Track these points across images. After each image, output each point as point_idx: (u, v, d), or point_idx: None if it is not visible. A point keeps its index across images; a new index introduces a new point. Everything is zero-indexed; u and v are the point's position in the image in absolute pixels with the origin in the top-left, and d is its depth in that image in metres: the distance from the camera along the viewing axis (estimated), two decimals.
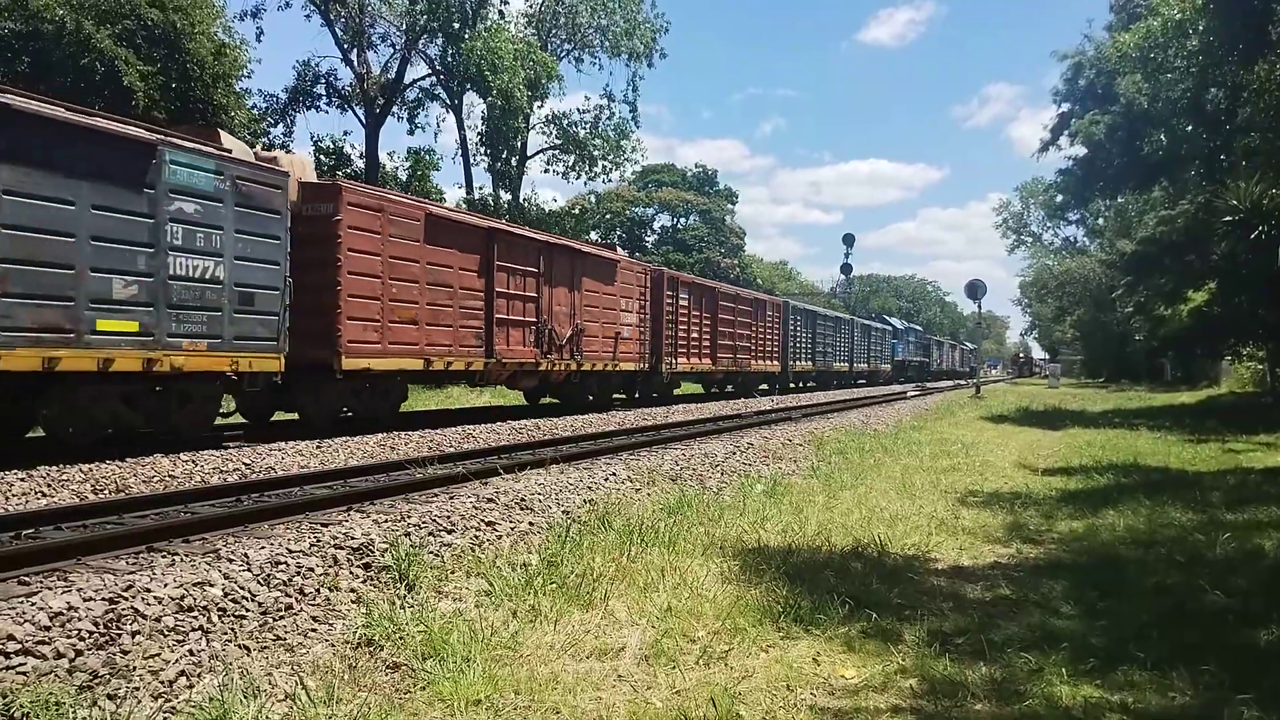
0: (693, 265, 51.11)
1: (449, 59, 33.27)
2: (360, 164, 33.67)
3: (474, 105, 36.39)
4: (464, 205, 34.06)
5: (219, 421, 11.71)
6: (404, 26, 32.72)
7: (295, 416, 13.23)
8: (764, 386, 32.41)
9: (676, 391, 26.07)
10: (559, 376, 18.09)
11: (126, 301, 9.40)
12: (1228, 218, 15.19)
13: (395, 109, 34.87)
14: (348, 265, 12.34)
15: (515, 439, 13.02)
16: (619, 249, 24.09)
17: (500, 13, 34.65)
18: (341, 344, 12.22)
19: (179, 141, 10.09)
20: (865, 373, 44.52)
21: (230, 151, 10.85)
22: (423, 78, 35.90)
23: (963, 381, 55.80)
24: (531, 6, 38.39)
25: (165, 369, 9.85)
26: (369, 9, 32.91)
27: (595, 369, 19.22)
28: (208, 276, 10.27)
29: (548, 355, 17.21)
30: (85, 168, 8.93)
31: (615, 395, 21.69)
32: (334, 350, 12.17)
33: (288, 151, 15.55)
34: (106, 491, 8.02)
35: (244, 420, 13.29)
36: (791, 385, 35.05)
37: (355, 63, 33.17)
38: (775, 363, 31.69)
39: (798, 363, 34.07)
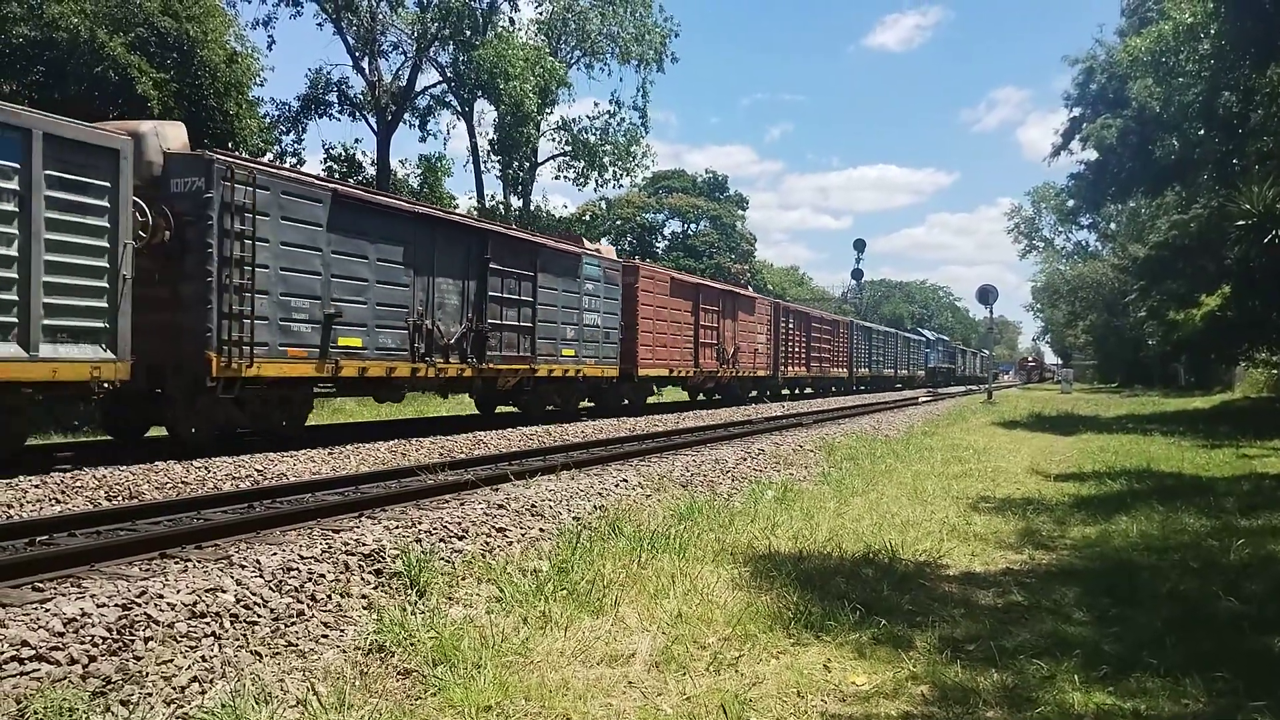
0: (703, 271, 50.98)
1: (460, 66, 33.36)
2: (372, 171, 33.74)
3: (485, 112, 36.50)
4: (474, 212, 34.09)
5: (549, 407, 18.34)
6: (415, 34, 32.80)
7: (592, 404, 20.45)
8: (834, 389, 38.62)
9: (782, 391, 33.01)
10: (725, 380, 25.96)
11: (570, 338, 17.46)
12: (1241, 222, 15.13)
13: (406, 116, 34.96)
14: (640, 313, 20.28)
15: (526, 445, 13.05)
16: (749, 288, 30.30)
17: (511, 20, 34.78)
18: (638, 360, 20.19)
19: (588, 250, 18.55)
20: (905, 378, 51.60)
21: (597, 251, 19.07)
22: (434, 85, 36.00)
23: (975, 387, 56.26)
24: (542, 13, 38.43)
25: (583, 375, 18.11)
26: (380, 17, 33.05)
27: (744, 375, 27.08)
28: (594, 324, 18.39)
29: (722, 366, 25.06)
30: (561, 270, 17.24)
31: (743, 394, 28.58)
32: (634, 364, 20.07)
33: (588, 240, 22.07)
34: (120, 498, 8.05)
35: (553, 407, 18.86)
36: (855, 388, 41.20)
37: (367, 70, 33.26)
38: (844, 369, 38.71)
39: (859, 369, 41.15)
